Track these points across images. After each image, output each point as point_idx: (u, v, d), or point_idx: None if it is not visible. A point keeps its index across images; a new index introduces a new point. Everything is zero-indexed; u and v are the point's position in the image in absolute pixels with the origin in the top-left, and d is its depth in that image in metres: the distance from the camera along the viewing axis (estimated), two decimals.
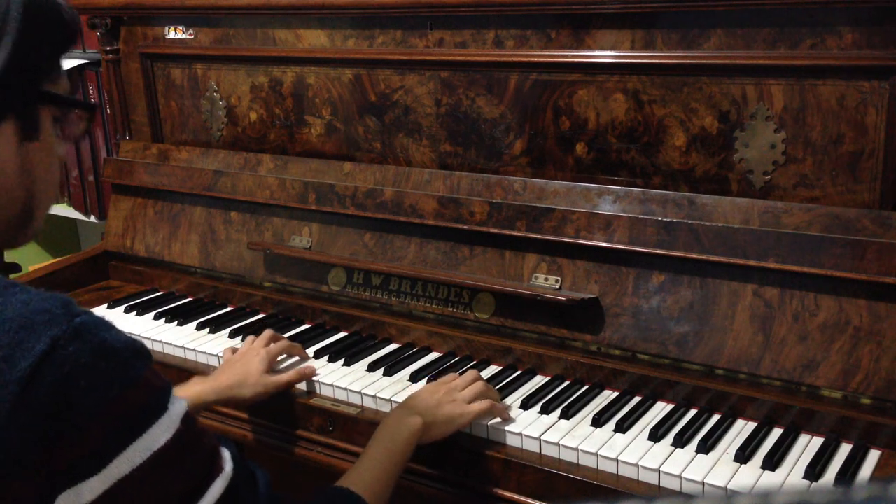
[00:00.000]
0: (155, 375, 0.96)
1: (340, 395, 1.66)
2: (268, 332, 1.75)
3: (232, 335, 1.92)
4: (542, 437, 1.46)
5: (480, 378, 1.56)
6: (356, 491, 1.23)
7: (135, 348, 0.94)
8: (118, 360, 0.91)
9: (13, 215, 1.04)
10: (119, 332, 0.93)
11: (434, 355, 1.79)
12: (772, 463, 1.35)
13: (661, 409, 1.54)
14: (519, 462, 1.44)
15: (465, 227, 1.79)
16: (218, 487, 0.98)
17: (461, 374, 1.58)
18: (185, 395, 1.54)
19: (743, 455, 1.37)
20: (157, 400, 0.94)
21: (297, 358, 1.78)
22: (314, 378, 1.70)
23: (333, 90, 2.04)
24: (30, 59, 0.99)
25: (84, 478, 0.88)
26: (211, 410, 1.70)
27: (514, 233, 1.73)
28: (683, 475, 1.35)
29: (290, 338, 1.83)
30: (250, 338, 1.75)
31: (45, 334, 0.87)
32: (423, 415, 1.43)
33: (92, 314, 0.92)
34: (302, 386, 1.70)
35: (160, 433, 0.93)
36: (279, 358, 1.74)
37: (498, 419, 1.51)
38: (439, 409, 1.45)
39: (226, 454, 1.02)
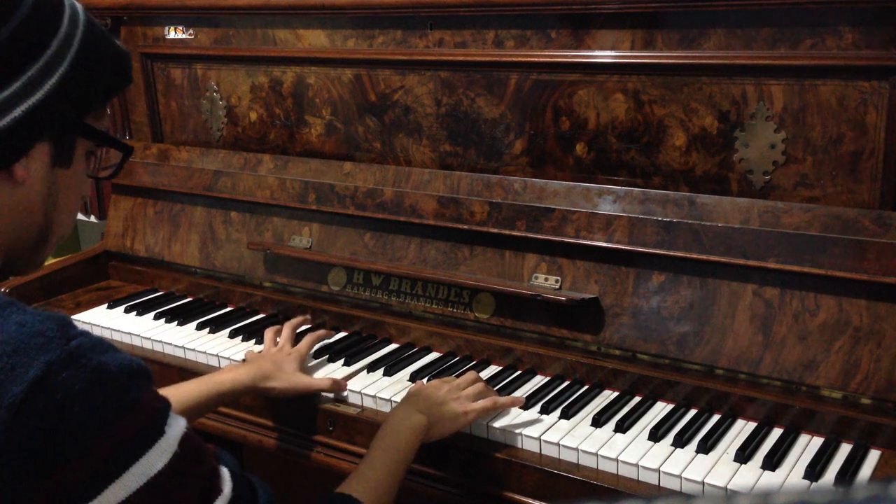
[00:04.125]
0: (154, 396, 0.94)
1: (340, 395, 1.66)
2: (296, 321, 1.79)
3: (232, 335, 1.92)
4: (542, 437, 1.46)
5: (480, 379, 1.55)
6: (358, 497, 1.21)
7: (132, 370, 0.92)
8: (114, 384, 0.89)
9: (29, 237, 1.04)
10: (117, 353, 0.92)
11: (434, 355, 1.79)
12: (772, 463, 1.35)
13: (661, 409, 1.54)
14: (519, 462, 1.44)
15: (465, 227, 1.79)
16: None
17: (460, 374, 1.58)
18: (220, 379, 1.54)
19: (743, 455, 1.37)
20: (154, 423, 0.92)
21: (331, 370, 1.75)
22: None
23: (333, 90, 2.04)
24: (79, 88, 1.01)
25: None
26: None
27: (514, 233, 1.73)
28: (683, 475, 1.35)
29: None
30: (272, 330, 1.77)
31: (39, 359, 0.85)
32: (426, 412, 1.41)
33: (89, 335, 0.90)
34: None
35: (156, 458, 0.91)
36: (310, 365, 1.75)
37: (500, 420, 1.51)
38: (443, 406, 1.44)
39: (225, 474, 1.00)
